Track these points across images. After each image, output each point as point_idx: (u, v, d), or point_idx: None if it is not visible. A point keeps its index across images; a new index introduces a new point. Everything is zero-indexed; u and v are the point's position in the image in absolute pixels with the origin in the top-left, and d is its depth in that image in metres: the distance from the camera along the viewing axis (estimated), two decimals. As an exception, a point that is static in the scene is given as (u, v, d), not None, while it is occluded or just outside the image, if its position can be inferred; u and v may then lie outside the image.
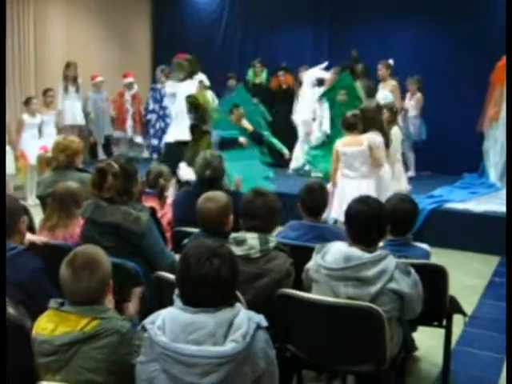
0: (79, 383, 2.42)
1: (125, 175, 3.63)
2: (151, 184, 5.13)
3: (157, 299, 3.28)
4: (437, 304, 3.64)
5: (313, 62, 10.88)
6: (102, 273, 2.60)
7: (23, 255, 3.24)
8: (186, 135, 7.65)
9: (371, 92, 8.63)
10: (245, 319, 2.23)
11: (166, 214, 4.94)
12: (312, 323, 3.10)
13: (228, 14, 12.95)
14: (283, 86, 11.15)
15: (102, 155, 11.57)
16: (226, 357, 2.12)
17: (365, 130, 6.50)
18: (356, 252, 3.03)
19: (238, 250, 3.21)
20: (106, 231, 3.55)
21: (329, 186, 5.91)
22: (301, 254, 3.41)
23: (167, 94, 8.92)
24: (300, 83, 10.69)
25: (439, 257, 4.18)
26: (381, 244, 3.40)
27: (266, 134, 7.81)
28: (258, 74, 11.44)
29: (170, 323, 2.24)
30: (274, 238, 3.43)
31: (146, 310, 2.98)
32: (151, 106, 11.34)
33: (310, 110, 9.69)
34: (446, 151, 10.14)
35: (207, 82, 10.73)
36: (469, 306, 4.79)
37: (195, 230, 3.89)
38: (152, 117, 11.26)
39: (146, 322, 2.30)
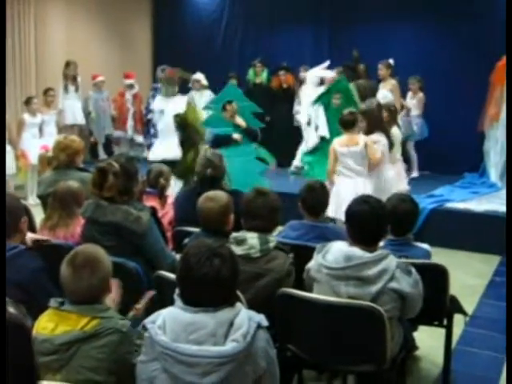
0: (79, 382, 2.42)
1: (125, 175, 3.63)
2: (152, 183, 5.14)
3: (157, 299, 3.28)
4: (437, 303, 3.64)
5: (313, 62, 10.87)
6: (102, 272, 2.60)
7: (24, 255, 3.24)
8: (171, 153, 7.70)
9: (365, 93, 8.59)
10: (245, 319, 2.23)
11: (167, 214, 4.95)
12: (313, 323, 3.10)
13: (228, 14, 12.95)
14: (284, 86, 11.16)
15: (102, 155, 11.57)
16: (227, 356, 2.13)
17: (370, 131, 6.46)
18: (357, 251, 3.03)
19: (238, 250, 3.21)
20: (107, 231, 3.54)
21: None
22: (302, 254, 3.41)
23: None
24: (300, 83, 10.70)
25: (440, 256, 4.17)
26: (381, 244, 3.40)
27: (254, 145, 7.73)
28: (259, 74, 11.44)
29: (170, 323, 2.24)
30: (274, 238, 3.43)
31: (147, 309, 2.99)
32: (152, 106, 11.31)
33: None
34: (447, 151, 10.13)
35: (205, 82, 10.73)
36: (469, 305, 4.78)
37: (196, 230, 3.89)
38: (152, 116, 11.23)
39: (147, 321, 2.30)
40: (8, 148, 8.92)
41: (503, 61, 8.22)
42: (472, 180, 9.30)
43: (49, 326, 2.50)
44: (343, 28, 11.40)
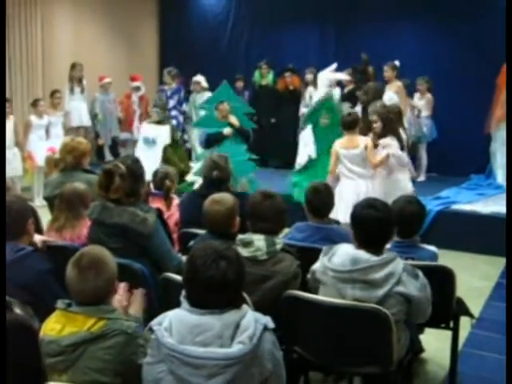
0: (86, 383, 2.43)
1: (132, 176, 3.64)
2: (157, 185, 5.16)
3: (164, 300, 3.28)
4: (444, 306, 3.63)
5: (319, 63, 10.82)
6: (107, 273, 2.61)
7: (31, 256, 3.26)
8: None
9: (374, 95, 8.57)
10: (252, 321, 2.23)
11: (173, 215, 4.96)
12: (319, 325, 3.10)
13: (234, 16, 12.96)
14: (290, 88, 11.15)
15: (108, 156, 11.58)
16: (233, 358, 2.13)
17: (384, 134, 6.45)
18: (363, 254, 3.03)
19: (244, 252, 3.21)
20: (113, 232, 3.55)
21: None
22: (307, 256, 3.41)
23: (141, 137, 8.82)
24: (306, 85, 10.69)
25: (446, 258, 4.16)
26: (388, 246, 3.39)
27: (244, 148, 7.71)
28: (265, 76, 11.43)
29: (176, 325, 2.24)
30: (280, 240, 3.42)
31: (153, 311, 2.98)
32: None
33: None
34: (453, 152, 10.12)
35: (205, 84, 10.72)
36: (476, 307, 4.77)
37: (202, 232, 3.89)
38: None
39: (153, 323, 2.30)
40: (15, 150, 8.96)
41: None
42: (478, 182, 9.28)
43: (56, 327, 2.51)
44: (349, 29, 11.40)
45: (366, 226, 3.09)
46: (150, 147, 8.47)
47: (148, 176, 4.17)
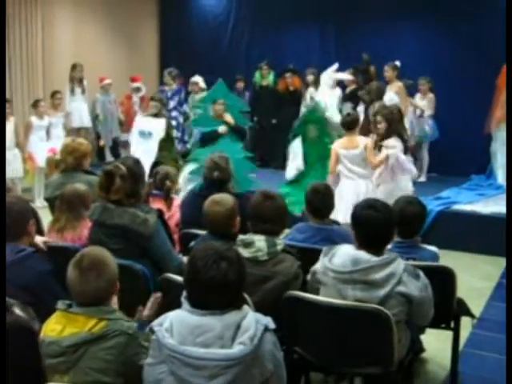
0: (87, 384, 2.44)
1: (132, 177, 3.64)
2: (158, 186, 5.16)
3: (165, 301, 3.28)
4: (445, 306, 3.63)
5: (320, 64, 10.88)
6: (108, 274, 2.62)
7: (31, 257, 3.26)
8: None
9: (377, 95, 8.56)
10: (252, 321, 2.23)
11: (174, 216, 4.96)
12: (320, 325, 3.10)
13: (235, 16, 12.96)
14: (290, 88, 11.13)
15: (109, 157, 11.57)
16: (234, 359, 2.13)
17: (388, 135, 6.43)
18: (364, 255, 3.03)
19: (245, 253, 3.21)
20: (114, 233, 3.55)
21: None
22: (308, 256, 3.41)
23: (136, 130, 8.82)
24: (307, 85, 10.69)
25: (447, 258, 4.17)
26: (389, 246, 3.39)
27: (240, 146, 7.67)
28: (265, 77, 11.41)
29: (177, 325, 2.25)
30: (281, 241, 3.43)
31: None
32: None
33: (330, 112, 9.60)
34: (454, 153, 10.12)
35: (203, 85, 10.70)
36: (476, 307, 4.77)
37: (203, 232, 3.90)
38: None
39: (154, 324, 2.30)
40: (15, 151, 8.97)
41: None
42: (479, 182, 9.28)
43: (57, 328, 2.51)
44: (349, 29, 11.40)
45: (367, 226, 3.08)
46: (146, 140, 8.48)
47: (145, 169, 4.19)
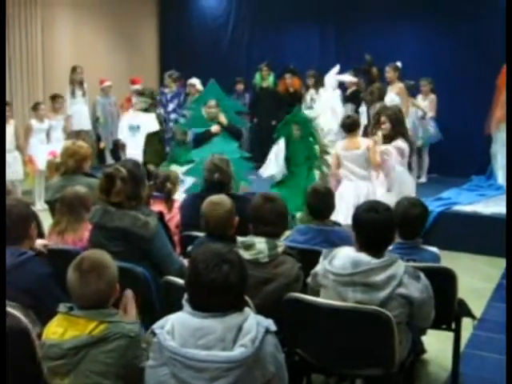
0: (88, 386, 2.44)
1: (133, 180, 3.64)
2: (158, 188, 5.18)
3: (165, 304, 3.29)
4: (446, 307, 3.63)
5: (320, 64, 10.90)
6: (108, 276, 2.62)
7: (32, 260, 3.27)
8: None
9: (380, 96, 8.55)
10: (254, 324, 2.23)
11: (174, 218, 4.97)
12: (321, 327, 3.10)
13: (235, 18, 12.97)
14: (290, 90, 11.12)
15: (109, 160, 11.57)
16: (235, 362, 2.13)
17: (394, 136, 6.40)
18: (364, 257, 3.02)
19: (246, 255, 3.21)
20: (114, 236, 3.55)
21: None
22: (309, 258, 3.41)
23: (125, 125, 8.86)
24: (307, 87, 10.68)
25: (447, 259, 4.17)
26: (390, 247, 3.39)
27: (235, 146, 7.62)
28: (265, 78, 11.39)
29: (179, 328, 2.25)
30: (282, 243, 3.43)
31: (155, 315, 2.99)
32: (158, 109, 11.25)
33: (334, 113, 9.59)
34: (454, 153, 10.11)
35: (200, 87, 10.69)
36: (477, 308, 4.76)
37: (203, 235, 3.90)
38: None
39: (155, 326, 2.31)
40: (16, 153, 8.97)
41: (508, 64, 8.23)
42: (479, 183, 9.28)
43: (58, 331, 2.52)
44: (349, 30, 11.41)
45: (368, 228, 3.08)
46: (134, 133, 8.50)
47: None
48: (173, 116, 10.45)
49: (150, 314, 3.20)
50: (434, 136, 9.78)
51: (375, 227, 3.06)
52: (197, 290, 2.27)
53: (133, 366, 2.47)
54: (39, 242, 3.72)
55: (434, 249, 3.98)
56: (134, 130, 8.49)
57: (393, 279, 2.96)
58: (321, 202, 4.19)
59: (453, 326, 3.83)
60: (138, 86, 11.28)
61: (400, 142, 6.30)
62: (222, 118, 7.34)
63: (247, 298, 2.66)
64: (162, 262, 3.65)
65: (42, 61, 10.99)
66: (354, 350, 3.06)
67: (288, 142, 7.69)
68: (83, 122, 10.79)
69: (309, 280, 3.31)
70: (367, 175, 6.58)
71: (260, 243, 3.30)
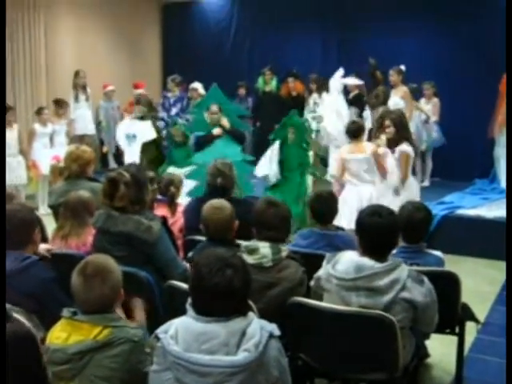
0: (92, 391, 2.44)
1: (136, 184, 3.65)
2: (162, 192, 5.19)
3: (169, 308, 3.29)
4: (449, 311, 3.63)
5: (322, 68, 10.90)
6: (112, 281, 2.62)
7: (36, 265, 3.28)
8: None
9: (385, 99, 8.53)
10: (257, 328, 2.23)
11: (178, 221, 4.98)
12: (324, 331, 3.10)
13: (237, 22, 12.99)
14: (293, 94, 11.11)
15: (113, 164, 11.59)
16: (239, 366, 2.13)
17: (399, 140, 6.36)
18: (367, 262, 3.02)
19: (250, 259, 3.21)
20: (118, 241, 3.56)
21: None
22: (312, 262, 3.41)
23: (121, 134, 8.91)
24: (310, 91, 10.68)
25: (451, 263, 4.16)
26: (393, 251, 3.39)
27: (238, 149, 7.59)
28: (268, 82, 11.38)
29: (182, 332, 2.25)
30: (285, 247, 3.43)
31: (158, 319, 2.99)
32: (160, 114, 11.24)
33: (340, 117, 9.57)
34: (457, 157, 10.10)
35: (202, 91, 10.70)
36: (481, 312, 4.76)
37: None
38: (159, 124, 11.15)
39: (159, 331, 2.31)
40: (19, 158, 8.98)
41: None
42: (482, 186, 9.26)
43: (62, 335, 2.52)
44: (351, 34, 11.38)
45: (371, 233, 3.07)
46: (130, 142, 8.52)
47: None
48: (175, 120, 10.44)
49: (154, 318, 3.21)
50: (438, 140, 9.77)
51: (379, 231, 3.05)
52: (200, 295, 2.27)
53: (137, 371, 2.47)
54: (43, 247, 3.73)
55: (437, 253, 3.98)
56: (130, 139, 8.50)
57: (396, 283, 2.95)
58: (324, 207, 4.20)
59: (456, 330, 3.83)
60: (141, 91, 11.30)
61: (405, 146, 6.27)
62: (225, 123, 7.31)
63: (251, 303, 2.66)
64: (166, 267, 3.65)
65: (46, 65, 11.03)
66: (357, 355, 3.06)
67: (283, 146, 7.68)
68: (87, 126, 10.79)
69: (312, 284, 3.31)
70: (371, 180, 6.59)
71: (264, 248, 3.30)
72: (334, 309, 3.02)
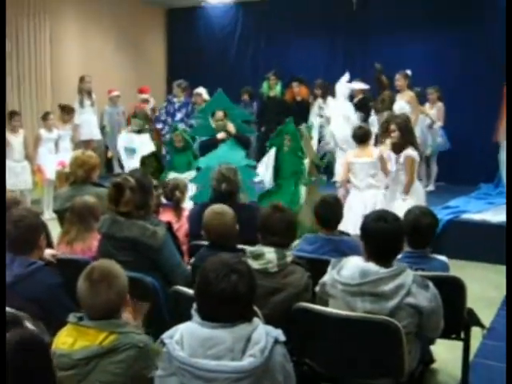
0: (97, 397, 2.44)
1: (142, 189, 3.66)
2: (168, 196, 5.21)
3: (174, 313, 3.29)
4: (455, 317, 3.62)
5: (327, 73, 10.91)
6: (118, 286, 2.62)
7: (42, 270, 3.28)
8: None
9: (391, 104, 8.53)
10: (263, 334, 2.23)
11: (183, 226, 4.99)
12: (329, 337, 3.10)
13: (241, 27, 13.03)
14: (297, 98, 11.12)
15: (117, 169, 11.60)
16: (244, 372, 2.13)
17: (404, 145, 6.33)
18: (372, 267, 3.02)
19: (255, 264, 3.21)
20: (123, 246, 3.56)
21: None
22: (317, 268, 3.41)
23: (121, 147, 8.98)
24: (315, 96, 10.68)
25: (456, 268, 4.16)
26: (399, 256, 3.39)
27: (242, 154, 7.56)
28: (273, 87, 11.37)
29: (188, 338, 2.25)
30: (290, 253, 3.43)
31: (164, 325, 2.99)
32: (163, 117, 11.21)
33: (347, 121, 9.56)
34: (462, 161, 10.09)
35: (206, 96, 10.71)
36: (487, 317, 4.75)
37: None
38: (159, 125, 11.12)
39: (165, 336, 2.31)
40: (24, 163, 9.01)
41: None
42: (488, 191, 9.23)
43: (68, 341, 2.52)
44: (356, 38, 11.43)
45: (377, 238, 3.07)
46: (130, 156, 8.54)
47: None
48: (180, 126, 10.45)
49: (159, 323, 3.21)
50: (443, 145, 9.76)
51: (384, 237, 3.05)
52: (206, 300, 2.28)
53: (141, 377, 2.47)
54: (48, 252, 3.74)
55: (443, 258, 3.98)
56: (130, 153, 8.53)
57: (401, 288, 2.95)
58: (329, 212, 4.19)
59: (462, 335, 3.82)
60: (146, 96, 11.32)
61: (410, 151, 6.26)
62: (231, 128, 7.29)
63: (256, 308, 2.66)
64: (171, 272, 3.66)
65: (51, 70, 11.07)
66: (362, 360, 3.06)
67: (278, 153, 7.67)
68: (92, 131, 10.80)
69: (317, 289, 3.31)
70: (376, 184, 6.59)
71: (269, 253, 3.30)
72: (339, 314, 3.02)
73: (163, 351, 2.30)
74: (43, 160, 9.19)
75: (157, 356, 2.39)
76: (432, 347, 4.02)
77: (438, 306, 3.11)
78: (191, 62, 13.06)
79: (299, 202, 7.19)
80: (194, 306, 2.33)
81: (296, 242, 4.06)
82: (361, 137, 6.74)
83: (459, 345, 3.87)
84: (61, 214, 4.82)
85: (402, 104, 8.81)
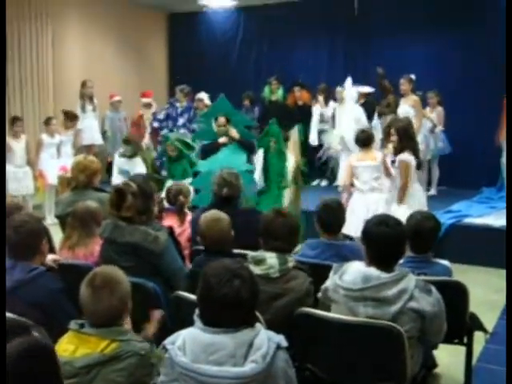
0: (99, 405, 2.43)
1: (143, 194, 3.67)
2: (171, 201, 5.22)
3: (176, 319, 3.29)
4: (457, 321, 3.62)
5: (329, 77, 10.92)
6: (121, 292, 2.62)
7: (43, 276, 3.28)
8: None
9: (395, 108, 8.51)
10: (265, 339, 2.23)
11: (186, 231, 5.00)
12: (331, 342, 3.09)
13: (243, 32, 13.03)
14: (299, 103, 11.12)
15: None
16: (246, 377, 2.13)
17: (401, 149, 6.28)
18: (374, 272, 3.01)
19: (257, 270, 3.21)
20: (125, 251, 3.56)
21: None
22: (319, 273, 3.40)
23: (115, 167, 9.06)
24: (317, 100, 10.69)
25: (458, 272, 4.15)
26: (401, 261, 3.38)
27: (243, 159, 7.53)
28: (275, 91, 11.35)
29: (190, 343, 2.25)
30: (292, 258, 3.42)
31: (166, 330, 2.99)
32: (161, 116, 11.12)
33: (358, 124, 9.52)
34: (464, 165, 10.09)
35: (208, 101, 10.70)
36: (490, 322, 4.73)
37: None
38: (156, 124, 11.09)
39: (167, 342, 2.31)
40: (26, 168, 9.02)
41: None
42: (490, 195, 9.23)
43: (69, 348, 2.51)
44: (358, 42, 11.43)
45: (379, 243, 3.06)
46: (123, 176, 8.54)
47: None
48: (182, 131, 10.45)
49: (161, 329, 3.21)
50: (444, 148, 9.75)
51: (386, 241, 3.04)
52: (209, 305, 2.27)
53: (142, 384, 2.47)
54: (50, 258, 3.74)
55: (445, 262, 3.97)
56: (124, 174, 8.55)
57: (404, 293, 2.94)
58: (331, 217, 4.18)
59: (465, 340, 3.81)
60: (148, 100, 11.30)
61: (405, 155, 6.21)
62: (234, 133, 7.28)
63: (257, 314, 2.65)
64: (172, 277, 3.67)
65: (53, 75, 11.07)
66: (365, 365, 3.05)
67: (266, 154, 7.67)
68: (94, 136, 10.79)
69: (319, 295, 3.30)
70: (379, 187, 6.58)
71: (271, 258, 3.30)
72: (341, 319, 3.02)
73: (165, 357, 2.29)
74: (45, 165, 9.20)
75: (159, 362, 2.38)
76: (435, 352, 4.01)
77: (441, 310, 3.10)
78: (193, 66, 13.07)
79: (281, 205, 7.14)
80: (196, 311, 2.33)
81: (298, 248, 4.06)
82: (364, 140, 6.75)
83: (462, 349, 3.86)
84: (63, 219, 4.82)
85: (406, 108, 8.80)
